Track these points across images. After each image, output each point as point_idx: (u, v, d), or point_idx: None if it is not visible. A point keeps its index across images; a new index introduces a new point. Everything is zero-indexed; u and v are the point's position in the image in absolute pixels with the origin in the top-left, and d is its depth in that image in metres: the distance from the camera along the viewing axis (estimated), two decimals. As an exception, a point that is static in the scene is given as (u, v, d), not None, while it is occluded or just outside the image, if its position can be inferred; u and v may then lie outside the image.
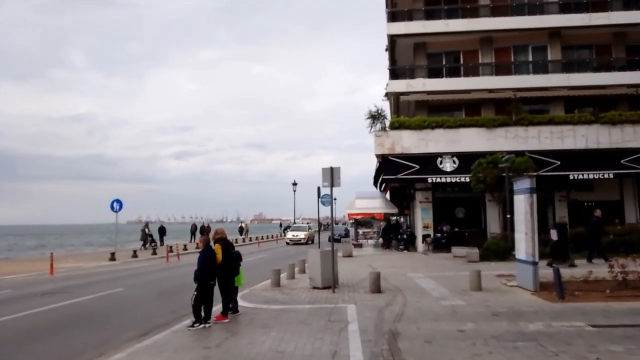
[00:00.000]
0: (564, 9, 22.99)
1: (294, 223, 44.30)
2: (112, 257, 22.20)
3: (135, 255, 23.78)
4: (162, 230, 33.73)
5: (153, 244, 29.29)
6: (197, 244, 8.75)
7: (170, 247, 25.30)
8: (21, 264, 22.65)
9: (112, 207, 23.09)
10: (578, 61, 23.70)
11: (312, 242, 35.81)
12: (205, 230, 34.42)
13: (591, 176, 20.77)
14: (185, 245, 28.28)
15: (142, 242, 30.44)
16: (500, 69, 23.64)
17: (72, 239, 61.27)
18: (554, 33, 23.17)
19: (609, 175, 20.73)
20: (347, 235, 36.20)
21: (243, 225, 47.60)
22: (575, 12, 22.67)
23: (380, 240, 28.51)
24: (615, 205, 21.98)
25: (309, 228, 40.46)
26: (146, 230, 31.13)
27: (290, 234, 38.50)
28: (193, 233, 38.64)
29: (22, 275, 17.15)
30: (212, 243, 8.44)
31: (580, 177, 20.79)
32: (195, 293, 7.88)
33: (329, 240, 29.73)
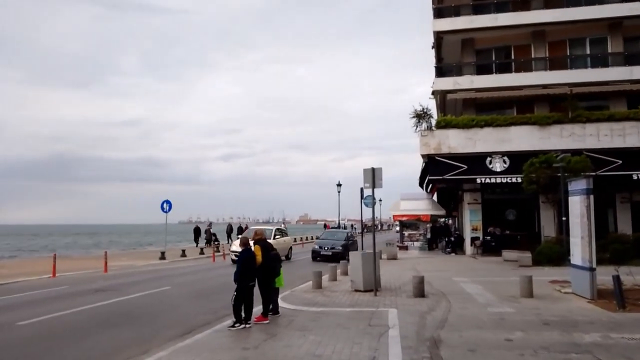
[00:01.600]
0: (625, -3, 21.51)
1: (337, 226, 43.55)
2: (162, 256, 23.03)
3: (184, 254, 24.55)
4: (197, 232, 33.28)
5: (216, 243, 30.21)
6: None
7: (217, 247, 25.91)
8: (78, 261, 23.93)
9: (162, 208, 23.97)
10: (642, 53, 22.11)
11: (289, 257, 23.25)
12: (242, 231, 35.02)
13: (657, 176, 19.28)
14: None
15: (205, 241, 31.68)
16: (555, 64, 22.45)
17: (127, 238, 64.33)
18: (615, 24, 21.74)
19: (677, 175, 19.15)
20: (346, 249, 21.70)
21: (281, 226, 45.45)
22: (638, 0, 21.14)
23: (427, 243, 27.82)
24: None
25: (350, 232, 29.01)
26: (210, 230, 32.58)
27: (317, 244, 23.90)
28: (229, 234, 36.65)
29: (78, 272, 18.09)
30: (251, 244, 8.48)
31: (645, 177, 19.35)
32: (235, 294, 7.94)
33: (313, 258, 24.69)
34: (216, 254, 24.38)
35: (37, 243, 56.46)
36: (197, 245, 30.31)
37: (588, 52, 22.55)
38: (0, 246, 48.55)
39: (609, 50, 22.12)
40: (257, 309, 8.55)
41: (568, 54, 22.70)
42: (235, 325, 7.88)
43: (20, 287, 14.11)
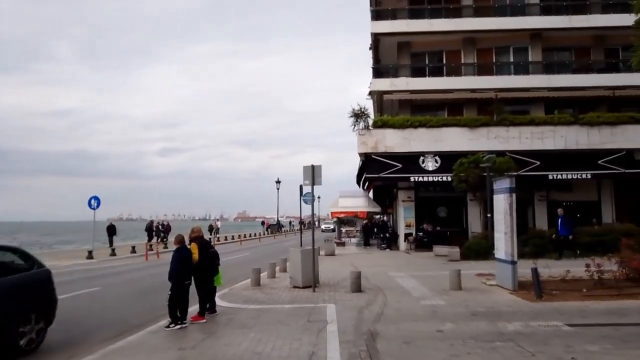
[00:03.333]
0: (545, 10, 23.30)
1: (277, 220, 43.65)
2: (90, 256, 21.73)
3: (113, 253, 23.34)
4: (111, 230, 28.20)
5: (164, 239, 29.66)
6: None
7: (151, 245, 24.90)
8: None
9: (89, 204, 22.60)
10: (558, 63, 24.08)
11: (334, 230, 41.23)
12: (165, 228, 33.48)
13: (570, 176, 21.10)
14: (166, 244, 27.89)
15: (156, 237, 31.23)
16: (483, 70, 23.84)
17: (48, 237, 59.52)
18: (535, 34, 23.44)
19: (587, 176, 21.07)
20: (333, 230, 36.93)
21: (213, 223, 42.97)
22: (556, 14, 22.98)
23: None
24: (593, 206, 22.38)
25: (335, 222, 36.35)
26: (154, 227, 32.03)
27: (324, 225, 56.68)
28: (150, 232, 31.85)
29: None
30: (187, 242, 8.26)
31: (559, 177, 21.11)
32: (170, 293, 7.71)
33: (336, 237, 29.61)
34: (149, 252, 23.42)
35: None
36: (110, 246, 26.46)
37: (512, 59, 24.17)
38: None
39: (530, 59, 23.85)
40: (194, 308, 8.36)
41: (494, 60, 24.19)
42: (171, 325, 7.66)
43: None
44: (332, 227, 44.27)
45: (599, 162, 20.98)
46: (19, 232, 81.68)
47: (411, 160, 21.73)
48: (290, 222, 79.22)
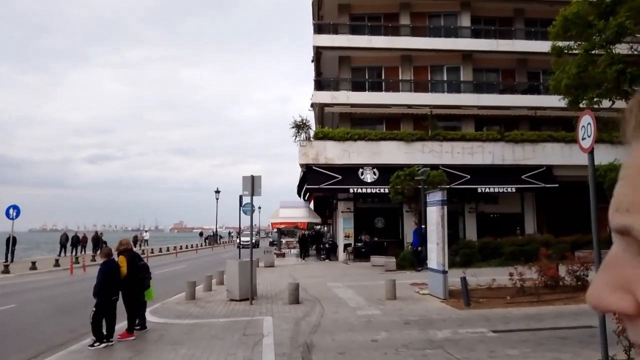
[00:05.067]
0: (476, 34, 24.85)
1: (215, 232, 42.69)
2: (6, 270, 19.99)
3: (34, 267, 21.63)
4: (10, 241, 24.38)
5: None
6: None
7: (77, 258, 23.36)
8: None
9: (7, 214, 20.84)
10: (487, 83, 25.67)
11: (258, 245, 37.70)
12: (80, 240, 31.29)
13: (496, 190, 22.44)
14: (93, 256, 26.29)
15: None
16: (419, 86, 24.91)
17: None
18: (467, 55, 24.88)
19: (511, 190, 22.51)
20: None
21: (139, 235, 41.32)
22: (485, 37, 24.57)
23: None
24: (517, 217, 23.92)
25: (258, 234, 40.60)
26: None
27: (242, 239, 35.62)
28: (63, 245, 30.00)
29: None
30: (115, 255, 7.86)
31: (487, 190, 22.37)
32: (94, 309, 7.26)
33: (270, 245, 29.97)
34: (75, 265, 21.95)
35: None
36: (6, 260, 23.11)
37: (445, 78, 25.47)
38: None
39: (462, 78, 25.25)
40: (122, 324, 7.94)
41: (429, 78, 25.38)
42: (96, 344, 7.21)
43: None
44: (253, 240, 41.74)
45: (522, 177, 22.50)
46: None
47: (350, 172, 22.15)
48: (229, 233, 77.65)
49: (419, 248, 17.50)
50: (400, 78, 24.99)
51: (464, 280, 10.05)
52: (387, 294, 11.15)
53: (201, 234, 65.42)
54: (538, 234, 21.84)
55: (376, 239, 23.21)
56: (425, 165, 19.75)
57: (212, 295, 12.45)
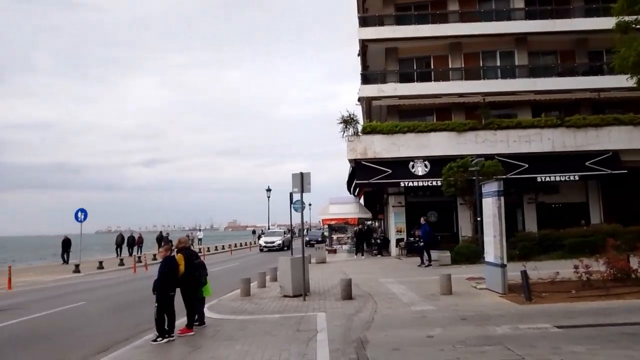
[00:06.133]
0: (530, 15, 23.61)
1: (268, 229, 43.26)
2: (77, 269, 21.41)
3: (101, 266, 23.01)
4: (66, 244, 27.28)
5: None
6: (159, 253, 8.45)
7: (139, 257, 24.61)
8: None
9: (76, 217, 22.31)
10: (544, 66, 24.35)
11: (289, 247, 34.59)
12: (137, 241, 32.83)
13: (557, 178, 21.25)
14: (154, 255, 27.58)
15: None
16: (470, 74, 24.04)
17: (31, 253, 56.98)
18: (521, 39, 23.71)
19: (574, 178, 21.24)
20: (323, 240, 35.83)
21: (190, 234, 38.80)
22: (541, 18, 23.28)
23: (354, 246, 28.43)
24: (581, 207, 22.57)
25: (285, 233, 38.05)
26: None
27: (264, 240, 36.32)
28: (119, 246, 31.88)
29: (-22, 290, 16.31)
30: (174, 252, 8.14)
31: (547, 179, 21.25)
32: (157, 305, 7.56)
33: (306, 245, 30.30)
34: (137, 264, 23.13)
35: None
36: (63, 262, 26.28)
37: (498, 63, 24.40)
38: None
39: (516, 63, 24.09)
40: (181, 320, 8.22)
41: (481, 65, 24.41)
42: (158, 339, 7.51)
43: None
44: (279, 241, 35.44)
45: (586, 163, 21.17)
46: (4, 247, 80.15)
47: (400, 166, 21.78)
48: (283, 230, 79.14)
49: (421, 243, 18.16)
50: (450, 67, 24.23)
51: (524, 273, 9.59)
52: (441, 289, 10.85)
53: (254, 232, 66.91)
54: (605, 223, 20.47)
55: (429, 233, 22.64)
56: (479, 156, 19.03)
57: (266, 292, 12.66)
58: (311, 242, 35.44)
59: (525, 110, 23.70)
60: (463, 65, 24.22)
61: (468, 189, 18.80)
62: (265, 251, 34.31)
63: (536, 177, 21.20)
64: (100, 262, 23.82)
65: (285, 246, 34.72)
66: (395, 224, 23.29)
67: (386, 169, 21.68)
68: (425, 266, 17.45)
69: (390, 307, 9.63)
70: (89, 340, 8.27)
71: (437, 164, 20.89)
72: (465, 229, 21.97)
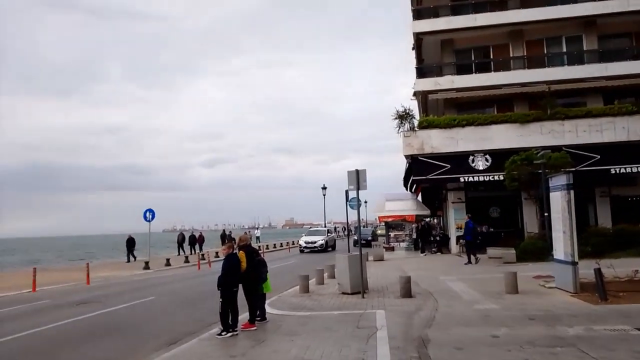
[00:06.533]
0: (598, -4, 22.03)
1: (310, 227, 43.04)
2: (146, 266, 22.69)
3: (168, 263, 24.22)
4: (130, 243, 28.87)
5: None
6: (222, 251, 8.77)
7: (202, 255, 25.66)
8: (59, 273, 23.39)
9: (144, 217, 23.60)
10: (615, 50, 22.62)
11: (333, 248, 32.72)
12: (197, 239, 33.80)
13: (635, 169, 19.70)
14: (217, 253, 28.58)
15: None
16: (533, 62, 22.84)
17: (104, 250, 60.77)
18: (589, 22, 22.22)
19: (653, 169, 19.61)
20: (374, 239, 34.37)
21: (247, 232, 37.88)
22: (611, -1, 21.66)
23: (412, 243, 27.92)
24: (662, 200, 20.79)
25: (329, 232, 34.95)
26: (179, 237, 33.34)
27: (304, 240, 32.53)
28: (181, 244, 33.06)
29: (59, 285, 17.69)
30: (236, 250, 8.39)
31: (622, 171, 19.76)
32: (221, 300, 7.84)
33: (355, 245, 29.89)
34: (201, 261, 24.10)
35: (17, 258, 54.81)
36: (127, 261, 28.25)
37: (564, 50, 22.99)
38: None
39: (585, 48, 22.58)
40: (244, 315, 8.47)
41: (545, 52, 23.11)
42: (223, 333, 7.78)
43: None
44: (321, 241, 31.56)
45: (667, 152, 19.47)
46: (86, 245, 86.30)
47: (459, 160, 21.13)
48: (335, 228, 79.44)
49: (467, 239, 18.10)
50: (511, 55, 23.15)
51: (598, 271, 8.98)
52: (506, 288, 10.41)
53: (335, 229, 67.76)
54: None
55: (492, 229, 21.85)
56: (544, 148, 18.11)
57: (324, 289, 12.74)
58: (362, 241, 33.20)
59: (596, 97, 22.16)
60: (525, 54, 23.05)
61: (533, 183, 17.90)
62: (307, 252, 30.89)
63: (609, 169, 19.79)
64: (168, 260, 25.07)
65: (329, 246, 32.47)
66: (455, 220, 22.63)
67: (444, 164, 21.12)
68: (465, 264, 17.24)
69: (451, 305, 9.38)
70: (159, 333, 8.73)
71: (498, 157, 20.06)
72: (530, 225, 20.94)
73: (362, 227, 32.82)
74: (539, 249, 16.60)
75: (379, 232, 51.69)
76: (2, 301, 13.94)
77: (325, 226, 46.61)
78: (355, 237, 35.37)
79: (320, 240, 32.00)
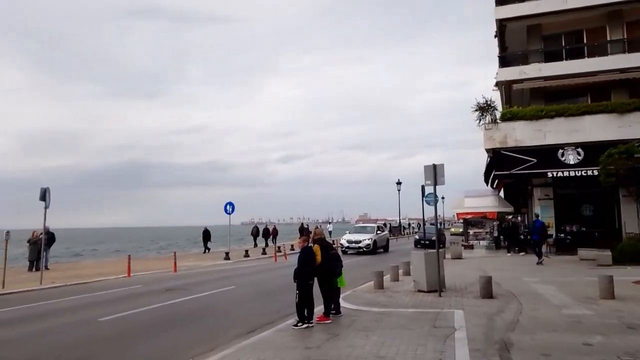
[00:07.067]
0: None
1: (398, 223, 42.06)
2: (227, 257, 23.81)
3: (247, 255, 25.22)
4: (206, 235, 31.17)
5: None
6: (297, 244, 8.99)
7: (279, 247, 26.41)
8: (150, 262, 25.34)
9: (225, 210, 24.76)
10: None
11: (385, 250, 27.71)
12: (271, 232, 34.82)
13: None
14: (292, 246, 29.26)
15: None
16: (634, 46, 20.64)
17: (185, 241, 64.34)
18: None
19: None
20: (440, 240, 29.31)
21: (319, 226, 39.12)
22: None
23: (493, 241, 26.62)
24: None
25: (379, 229, 28.54)
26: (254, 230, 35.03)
27: (346, 238, 26.38)
28: (255, 237, 34.68)
29: (150, 272, 19.15)
30: (311, 243, 8.50)
31: None
32: (297, 292, 8.00)
33: (416, 246, 28.39)
34: (278, 254, 24.81)
35: (110, 246, 60.16)
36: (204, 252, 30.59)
37: (673, 30, 20.54)
38: (82, 248, 52.60)
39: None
40: (319, 308, 8.57)
41: (649, 33, 20.81)
42: (299, 324, 7.94)
43: (100, 286, 15.18)
44: (368, 241, 25.54)
45: None
46: (174, 237, 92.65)
47: (547, 154, 19.71)
48: (409, 224, 77.75)
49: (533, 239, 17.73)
50: (608, 39, 21.13)
51: None
52: (601, 292, 9.55)
53: (385, 225, 66.95)
54: None
55: (584, 229, 20.18)
56: (647, 140, 16.34)
57: (399, 286, 12.54)
58: (423, 241, 27.59)
59: None
60: (625, 36, 20.90)
61: (633, 178, 16.25)
62: (350, 253, 24.97)
63: None
64: (246, 251, 26.14)
65: (380, 247, 26.84)
66: (542, 218, 21.16)
67: (530, 158, 19.82)
68: (537, 263, 16.91)
69: (537, 309, 8.79)
70: (239, 321, 9.11)
71: (592, 150, 18.44)
72: (630, 225, 19.03)
73: (427, 225, 30.45)
74: (638, 251, 15.06)
75: (452, 229, 48.94)
76: (104, 285, 15.38)
77: (399, 222, 45.20)
78: (417, 236, 32.35)
79: (366, 239, 25.66)
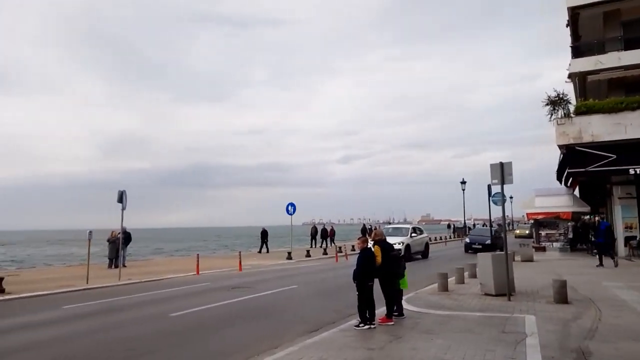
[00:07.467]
0: None
1: (389, 224, 40.36)
2: (289, 256, 24.23)
3: (308, 254, 25.51)
4: (264, 235, 31.33)
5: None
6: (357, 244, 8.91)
7: (340, 247, 26.46)
8: (217, 260, 26.28)
9: (287, 210, 25.24)
10: None
11: (425, 256, 23.90)
12: (329, 233, 34.94)
13: None
14: (353, 246, 29.20)
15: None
16: None
17: (248, 240, 66.21)
18: None
19: None
20: (494, 244, 24.78)
21: (387, 226, 30.13)
22: None
23: (568, 243, 24.99)
24: None
25: (415, 232, 23.91)
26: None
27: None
28: (314, 237, 35.23)
29: (217, 270, 19.88)
30: (371, 244, 8.43)
31: None
32: (357, 293, 7.96)
33: (466, 251, 26.59)
34: (339, 254, 24.88)
35: (183, 245, 63.33)
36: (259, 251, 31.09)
37: None
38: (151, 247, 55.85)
39: None
40: (382, 309, 8.48)
41: None
42: (360, 325, 7.90)
43: (171, 282, 16.01)
44: (399, 245, 19.93)
45: None
46: (242, 236, 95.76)
47: (628, 150, 18.19)
48: (474, 225, 75.05)
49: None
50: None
51: None
52: (695, 301, 8.66)
53: (449, 226, 64.96)
54: None
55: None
56: None
57: (465, 288, 12.11)
58: (474, 245, 26.23)
59: None
60: None
61: None
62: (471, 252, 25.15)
63: None
64: (308, 251, 26.44)
65: (416, 252, 23.16)
66: (623, 219, 19.66)
67: (609, 154, 18.38)
68: (597, 266, 16.75)
69: (619, 316, 8.14)
70: (302, 320, 9.23)
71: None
72: None
73: (478, 227, 28.41)
74: None
75: (517, 231, 45.56)
76: (176, 281, 16.21)
77: (464, 223, 43.88)
78: (467, 239, 28.31)
79: (396, 243, 19.19)
